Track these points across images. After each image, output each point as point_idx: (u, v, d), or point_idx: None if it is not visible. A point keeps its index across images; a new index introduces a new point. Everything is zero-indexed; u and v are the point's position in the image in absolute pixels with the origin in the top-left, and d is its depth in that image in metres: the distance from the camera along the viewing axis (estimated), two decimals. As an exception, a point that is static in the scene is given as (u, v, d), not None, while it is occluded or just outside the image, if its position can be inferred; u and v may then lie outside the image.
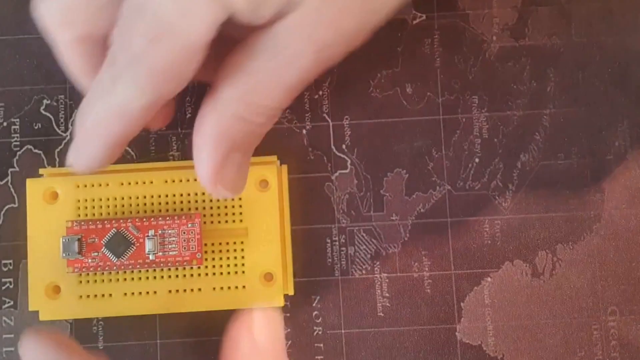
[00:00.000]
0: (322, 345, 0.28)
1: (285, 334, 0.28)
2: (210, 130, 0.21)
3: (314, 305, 0.28)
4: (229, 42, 0.22)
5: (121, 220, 0.26)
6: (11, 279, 0.28)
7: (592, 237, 0.28)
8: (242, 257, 0.26)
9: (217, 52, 0.21)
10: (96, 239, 0.26)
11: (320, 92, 0.29)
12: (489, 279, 0.28)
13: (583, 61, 0.28)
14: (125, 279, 0.26)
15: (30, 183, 0.27)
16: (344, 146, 0.28)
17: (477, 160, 0.28)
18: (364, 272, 0.28)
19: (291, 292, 0.27)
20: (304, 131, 0.28)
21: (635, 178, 0.28)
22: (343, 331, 0.28)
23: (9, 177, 0.28)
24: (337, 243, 0.28)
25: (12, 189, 0.28)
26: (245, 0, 0.20)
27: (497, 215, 0.28)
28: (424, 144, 0.28)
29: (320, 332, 0.28)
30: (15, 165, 0.28)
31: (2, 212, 0.28)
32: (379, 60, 0.28)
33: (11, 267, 0.28)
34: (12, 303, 0.28)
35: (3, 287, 0.28)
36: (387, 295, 0.28)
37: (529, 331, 0.28)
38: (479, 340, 0.28)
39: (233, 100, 0.21)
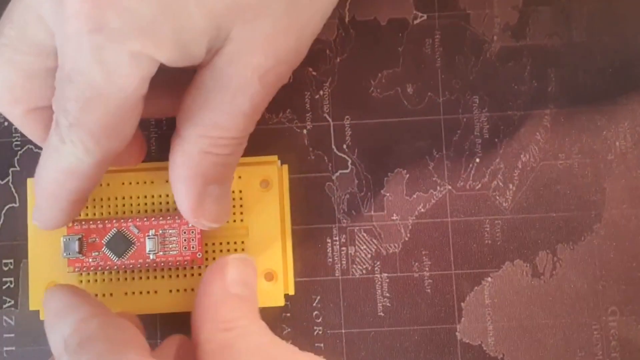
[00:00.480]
0: (322, 345, 0.28)
1: (286, 334, 0.28)
2: (182, 170, 0.22)
3: (314, 305, 0.28)
4: (184, 77, 0.22)
5: (122, 220, 0.26)
6: (12, 279, 0.28)
7: (593, 237, 0.28)
8: None
9: (177, 87, 0.22)
10: (97, 239, 0.26)
11: (321, 92, 0.29)
12: (489, 279, 0.28)
13: (584, 61, 0.28)
14: (125, 279, 0.26)
15: (31, 183, 0.27)
16: (344, 146, 0.28)
17: (477, 160, 0.28)
18: (364, 272, 0.28)
19: (292, 292, 0.27)
20: (305, 131, 0.28)
21: (636, 178, 0.28)
22: (343, 331, 0.28)
23: (10, 177, 0.28)
24: (337, 243, 0.28)
25: (13, 189, 0.28)
26: (169, 49, 0.20)
27: (498, 215, 0.28)
28: (424, 144, 0.28)
29: (320, 332, 0.28)
30: (16, 164, 0.28)
31: (3, 212, 0.28)
32: (379, 60, 0.28)
33: (12, 267, 0.28)
34: (12, 302, 0.28)
35: (4, 287, 0.28)
36: (387, 295, 0.28)
37: (529, 331, 0.28)
38: (479, 340, 0.28)
39: (196, 138, 0.22)
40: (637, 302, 0.28)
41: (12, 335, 0.28)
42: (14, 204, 0.28)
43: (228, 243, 0.27)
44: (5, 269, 0.28)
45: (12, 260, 0.28)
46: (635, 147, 0.28)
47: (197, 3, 0.20)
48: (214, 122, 0.21)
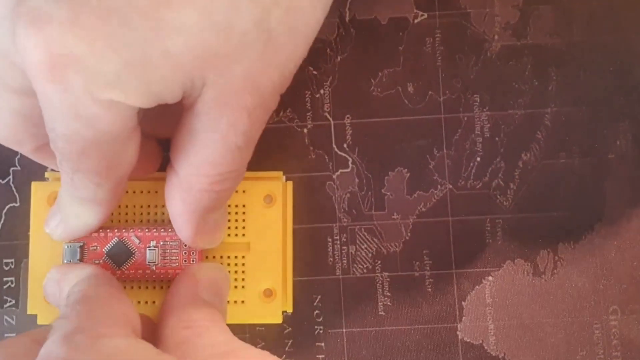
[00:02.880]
0: (323, 344, 0.28)
1: (286, 333, 0.28)
2: (180, 206, 0.23)
3: (315, 304, 0.28)
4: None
5: (123, 230, 0.25)
6: (12, 278, 0.28)
7: (594, 236, 0.28)
8: (243, 272, 0.26)
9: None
10: (98, 247, 0.25)
11: (322, 91, 0.28)
12: (490, 278, 0.28)
13: (584, 60, 0.28)
14: (124, 288, 0.26)
15: (35, 186, 0.26)
16: (345, 145, 0.28)
17: (478, 159, 0.28)
18: (365, 271, 0.28)
19: (290, 310, 0.27)
20: (305, 130, 0.28)
21: (636, 177, 0.28)
22: (344, 330, 0.28)
23: (11, 176, 0.28)
24: (338, 242, 0.28)
25: (13, 188, 0.28)
26: (140, 98, 0.19)
27: (499, 214, 0.28)
28: (425, 143, 0.28)
29: (321, 331, 0.28)
30: (17, 164, 0.28)
31: (4, 211, 0.28)
32: (380, 59, 0.28)
33: (12, 266, 0.28)
34: (13, 302, 0.28)
35: (4, 286, 0.28)
36: (388, 294, 0.28)
37: (530, 330, 0.28)
38: (480, 339, 0.28)
39: (192, 177, 0.22)
40: (638, 301, 0.28)
41: (13, 335, 0.28)
42: (14, 204, 0.28)
43: (229, 257, 0.26)
44: (6, 268, 0.28)
45: (12, 260, 0.28)
46: (636, 146, 0.28)
47: (163, 56, 0.19)
48: (210, 161, 0.21)
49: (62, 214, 0.24)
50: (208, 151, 0.21)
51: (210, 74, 0.19)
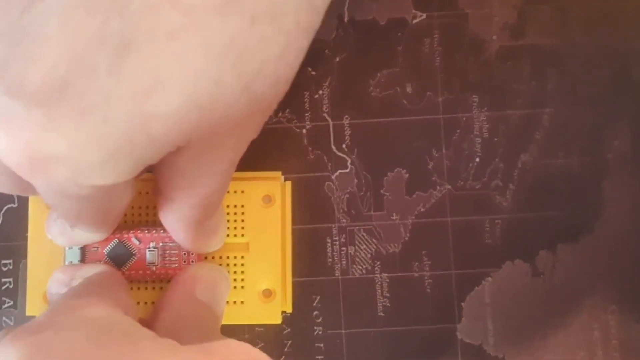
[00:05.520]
0: (322, 345, 0.28)
1: (286, 334, 0.28)
2: (176, 224, 0.23)
3: (314, 305, 0.28)
4: None
5: (124, 231, 0.25)
6: (11, 279, 0.28)
7: (593, 237, 0.28)
8: (242, 272, 0.26)
9: None
10: (98, 248, 0.25)
11: (320, 92, 0.28)
12: (489, 279, 0.28)
13: (583, 60, 0.28)
14: None
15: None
16: (344, 146, 0.28)
17: (477, 159, 0.28)
18: (364, 271, 0.28)
19: (289, 310, 0.27)
20: (304, 131, 0.28)
21: (635, 177, 0.28)
22: (343, 331, 0.28)
23: (9, 177, 0.28)
24: (337, 243, 0.28)
25: (12, 189, 0.28)
26: (128, 174, 0.19)
27: (498, 214, 0.28)
28: (424, 144, 0.28)
29: (320, 332, 0.28)
30: (15, 165, 0.28)
31: (2, 212, 0.28)
32: (378, 60, 0.28)
33: (11, 267, 0.28)
34: (12, 303, 0.28)
35: (3, 287, 0.28)
36: (387, 295, 0.28)
37: (529, 331, 0.28)
38: (479, 340, 0.28)
39: (183, 201, 0.22)
40: (637, 301, 0.28)
41: (11, 335, 0.27)
42: (12, 204, 0.28)
43: (228, 257, 0.26)
44: (5, 269, 0.28)
45: (11, 261, 0.28)
46: (634, 146, 0.28)
47: (148, 140, 0.18)
48: (197, 190, 0.21)
49: (65, 228, 0.24)
50: (197, 180, 0.21)
51: (195, 139, 0.19)
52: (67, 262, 0.26)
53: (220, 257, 0.26)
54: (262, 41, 0.18)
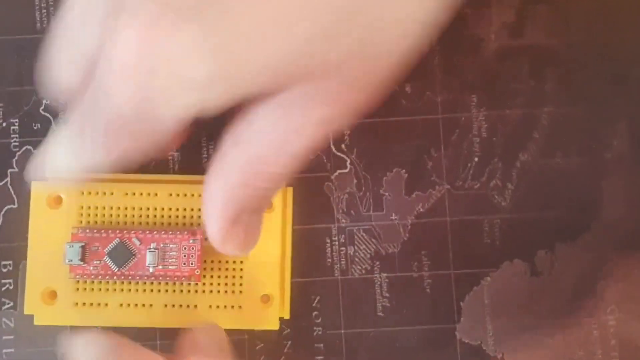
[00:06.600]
0: (322, 345, 0.28)
1: (285, 334, 0.28)
2: (217, 195, 0.21)
3: (313, 305, 0.28)
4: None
5: (125, 231, 0.26)
6: (11, 280, 0.28)
7: (591, 236, 0.28)
8: (241, 277, 0.26)
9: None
10: (99, 248, 0.26)
11: (319, 92, 0.28)
12: (488, 279, 0.28)
13: (581, 60, 0.28)
14: (122, 290, 0.26)
15: (35, 186, 0.26)
16: (343, 146, 0.28)
17: (476, 159, 0.28)
18: (363, 271, 0.28)
19: (287, 316, 0.27)
20: (303, 131, 0.28)
21: (633, 176, 0.28)
22: (343, 331, 0.28)
23: (9, 178, 0.28)
24: (336, 243, 0.28)
25: (11, 190, 0.28)
26: (219, 104, 0.18)
27: (497, 214, 0.28)
28: (423, 143, 0.28)
29: (320, 332, 0.28)
30: (14, 165, 0.28)
31: (2, 213, 0.28)
32: (377, 60, 0.28)
33: (11, 268, 0.28)
34: (12, 304, 0.28)
35: (3, 288, 0.28)
36: (386, 295, 0.28)
37: (528, 330, 0.28)
38: (478, 339, 0.28)
39: (238, 167, 0.20)
40: (636, 300, 0.28)
41: (12, 337, 0.28)
42: (12, 205, 0.28)
43: (227, 262, 0.26)
44: (5, 270, 0.28)
45: (11, 262, 0.28)
46: (632, 146, 0.28)
47: (256, 68, 0.18)
48: (258, 157, 0.20)
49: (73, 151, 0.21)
50: (260, 148, 0.20)
51: (298, 84, 0.18)
52: (67, 261, 0.25)
53: (220, 261, 0.26)
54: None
